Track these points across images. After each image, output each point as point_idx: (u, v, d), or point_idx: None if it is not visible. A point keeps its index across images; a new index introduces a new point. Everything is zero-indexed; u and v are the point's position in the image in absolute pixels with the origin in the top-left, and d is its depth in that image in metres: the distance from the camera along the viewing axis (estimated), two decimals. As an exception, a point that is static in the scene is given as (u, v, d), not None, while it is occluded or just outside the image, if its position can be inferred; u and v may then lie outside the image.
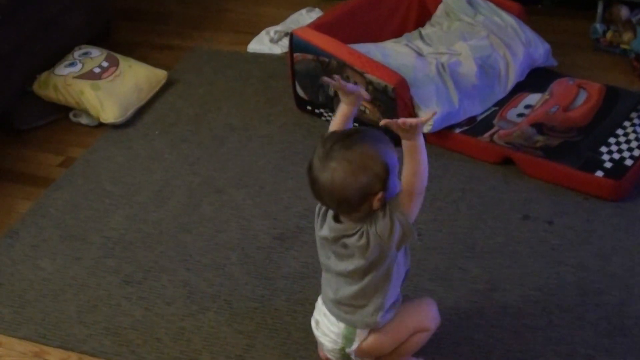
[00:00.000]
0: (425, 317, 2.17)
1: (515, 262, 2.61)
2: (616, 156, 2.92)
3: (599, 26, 3.84)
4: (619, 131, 3.05)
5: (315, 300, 2.18)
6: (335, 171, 1.85)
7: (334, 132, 1.95)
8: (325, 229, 1.99)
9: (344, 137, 1.89)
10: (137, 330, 2.48)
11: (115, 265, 2.72)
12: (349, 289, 2.02)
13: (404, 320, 2.12)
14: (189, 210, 2.94)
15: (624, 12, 3.84)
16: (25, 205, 3.04)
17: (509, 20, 3.54)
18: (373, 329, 2.08)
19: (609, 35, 3.80)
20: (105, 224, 2.91)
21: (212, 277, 2.64)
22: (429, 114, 2.08)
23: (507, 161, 3.03)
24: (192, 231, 2.85)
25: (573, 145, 3.01)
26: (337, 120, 2.06)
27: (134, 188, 3.08)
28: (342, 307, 2.06)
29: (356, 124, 3.22)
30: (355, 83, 3.09)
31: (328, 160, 1.86)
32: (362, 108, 3.17)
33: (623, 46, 3.73)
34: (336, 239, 1.96)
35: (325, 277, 2.11)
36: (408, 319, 2.12)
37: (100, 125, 3.46)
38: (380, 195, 1.88)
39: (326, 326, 2.12)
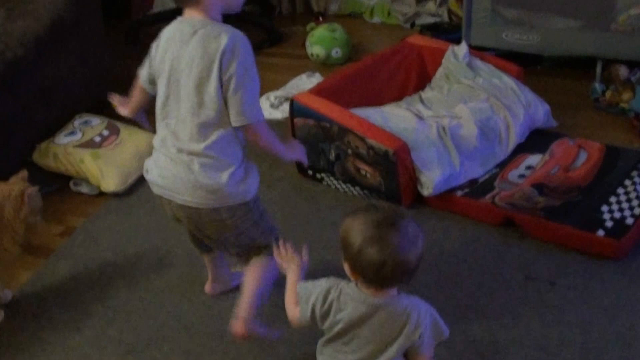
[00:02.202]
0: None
1: (518, 323, 2.67)
2: (617, 215, 2.99)
3: (598, 86, 3.94)
4: (620, 190, 3.13)
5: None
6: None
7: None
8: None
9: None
10: (140, 399, 2.52)
11: (116, 335, 2.77)
12: None
13: None
14: (191, 279, 2.99)
15: (622, 71, 3.94)
16: (25, 275, 3.09)
17: (509, 82, 3.63)
18: None
19: (608, 94, 3.89)
20: (106, 293, 2.96)
21: (214, 345, 2.69)
22: None
23: (508, 222, 3.09)
24: (193, 300, 2.90)
25: (574, 205, 3.08)
26: None
27: (135, 257, 3.14)
28: None
29: (357, 188, 3.31)
30: (357, 147, 3.18)
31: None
32: (364, 172, 3.25)
33: (622, 105, 3.82)
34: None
35: None
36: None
37: (101, 193, 3.53)
38: None
39: None
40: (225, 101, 2.27)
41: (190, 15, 2.32)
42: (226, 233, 2.48)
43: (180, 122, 2.33)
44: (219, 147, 2.32)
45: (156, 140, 2.44)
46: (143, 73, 2.51)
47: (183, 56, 2.29)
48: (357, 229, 1.96)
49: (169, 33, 2.36)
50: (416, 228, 1.99)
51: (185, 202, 2.38)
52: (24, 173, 2.90)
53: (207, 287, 2.89)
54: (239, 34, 2.28)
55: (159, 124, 2.41)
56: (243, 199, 2.40)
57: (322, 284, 2.13)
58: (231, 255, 2.65)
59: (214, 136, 2.31)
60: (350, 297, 2.07)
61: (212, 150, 2.31)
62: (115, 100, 2.71)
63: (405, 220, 1.99)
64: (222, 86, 2.26)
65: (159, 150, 2.42)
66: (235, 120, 2.29)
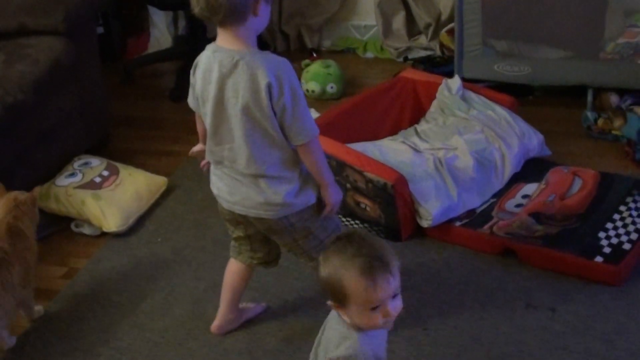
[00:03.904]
0: None
1: (522, 350, 2.69)
2: (614, 241, 3.01)
3: (590, 114, 3.97)
4: (616, 216, 3.16)
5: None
6: None
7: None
8: None
9: None
10: None
11: (123, 376, 2.78)
12: None
13: None
14: (195, 316, 3.00)
15: (613, 99, 3.99)
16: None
17: (502, 113, 3.67)
18: None
19: (600, 122, 3.93)
20: (111, 335, 2.96)
21: (221, 381, 2.70)
22: None
23: (507, 251, 3.12)
24: (199, 337, 2.90)
25: (572, 232, 3.11)
26: None
27: (139, 296, 3.14)
28: None
29: (357, 222, 3.33)
30: (356, 181, 3.21)
31: None
32: (363, 206, 3.27)
33: (614, 132, 3.86)
34: None
35: None
36: None
37: (103, 234, 3.53)
38: None
39: None
40: (281, 126, 2.35)
41: (228, 42, 2.35)
42: (297, 236, 2.58)
43: (236, 148, 2.41)
44: (279, 167, 2.43)
45: (213, 160, 2.54)
46: (192, 103, 2.56)
47: (227, 87, 2.34)
48: None
49: (207, 64, 2.39)
50: None
51: (258, 215, 2.49)
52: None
53: (214, 327, 2.90)
54: (278, 60, 2.34)
55: (214, 148, 2.49)
56: (307, 203, 2.50)
57: None
58: (305, 262, 2.72)
59: (274, 158, 2.41)
60: None
61: (273, 170, 2.42)
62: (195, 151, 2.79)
63: None
64: (276, 114, 2.33)
65: (220, 169, 2.53)
66: (295, 140, 2.38)
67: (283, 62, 2.33)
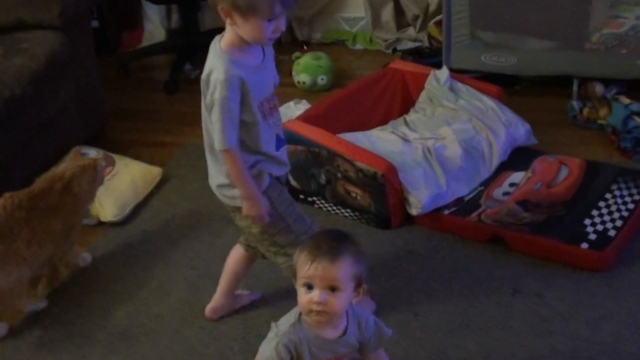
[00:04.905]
0: None
1: (509, 335, 2.69)
2: (600, 228, 3.02)
3: (575, 103, 3.97)
4: (601, 203, 3.16)
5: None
6: None
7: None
8: None
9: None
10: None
11: (121, 361, 2.78)
12: None
13: None
14: (190, 303, 3.00)
15: (598, 89, 3.98)
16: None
17: (490, 103, 3.67)
18: None
19: (585, 111, 3.93)
20: (109, 321, 2.96)
21: (215, 367, 2.70)
22: None
23: (495, 239, 3.12)
24: (194, 324, 2.90)
25: (558, 219, 3.11)
26: None
27: (135, 284, 3.14)
28: None
29: (348, 210, 3.33)
30: (346, 170, 3.20)
31: None
32: (354, 194, 3.27)
33: (600, 121, 3.85)
34: None
35: None
36: None
37: (100, 223, 3.52)
38: None
39: None
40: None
41: None
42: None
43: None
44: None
45: None
46: None
47: None
48: None
49: None
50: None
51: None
52: (77, 148, 3.22)
53: (208, 309, 2.90)
54: (218, 59, 2.36)
55: None
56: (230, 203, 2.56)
57: None
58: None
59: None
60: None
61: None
62: None
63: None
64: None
65: None
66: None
67: (219, 63, 2.33)
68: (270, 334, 2.19)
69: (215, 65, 2.32)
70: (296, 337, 2.14)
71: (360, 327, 2.22)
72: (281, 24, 2.31)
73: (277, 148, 2.51)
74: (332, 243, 2.08)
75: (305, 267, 2.05)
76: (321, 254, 2.05)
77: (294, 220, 2.59)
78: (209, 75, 2.32)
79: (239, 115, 2.35)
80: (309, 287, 2.07)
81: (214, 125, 2.35)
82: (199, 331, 2.87)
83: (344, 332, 2.19)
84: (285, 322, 2.19)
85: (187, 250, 3.31)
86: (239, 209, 2.51)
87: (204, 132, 2.49)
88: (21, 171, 3.47)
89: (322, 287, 2.05)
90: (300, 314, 2.16)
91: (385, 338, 2.30)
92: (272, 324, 2.21)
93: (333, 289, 2.05)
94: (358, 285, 2.12)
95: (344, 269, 2.05)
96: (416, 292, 2.86)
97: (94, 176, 3.11)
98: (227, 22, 2.30)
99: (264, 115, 2.42)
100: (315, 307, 2.06)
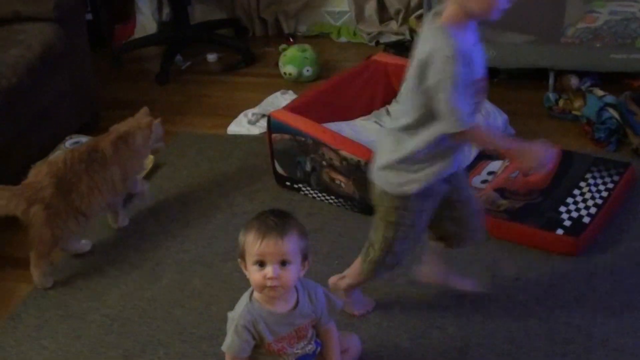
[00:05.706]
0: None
1: (488, 318, 2.71)
2: (574, 215, 3.04)
3: (551, 95, 3.99)
4: (576, 191, 3.18)
5: None
6: None
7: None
8: None
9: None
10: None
11: (114, 341, 2.79)
12: None
13: None
14: (181, 286, 3.02)
15: (573, 81, 4.01)
16: (25, 289, 3.09)
17: (469, 94, 3.67)
18: None
19: (561, 103, 3.95)
20: (102, 302, 2.98)
21: (206, 347, 2.71)
22: None
23: (474, 225, 3.13)
24: (185, 305, 2.92)
25: (534, 206, 3.13)
26: None
27: (128, 267, 3.16)
28: None
29: (332, 197, 3.34)
30: (331, 159, 3.21)
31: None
32: (338, 182, 3.28)
33: (574, 113, 3.87)
34: None
35: None
36: None
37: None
38: None
39: None
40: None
41: None
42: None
43: None
44: None
45: None
46: None
47: None
48: None
49: None
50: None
51: None
52: (145, 109, 3.35)
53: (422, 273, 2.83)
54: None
55: None
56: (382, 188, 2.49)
57: None
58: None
59: None
60: None
61: None
62: None
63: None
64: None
65: None
66: None
67: (442, 38, 2.11)
68: (228, 323, 2.24)
69: (437, 42, 2.10)
70: (251, 316, 2.18)
71: (311, 298, 2.26)
72: None
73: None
74: (278, 220, 2.11)
75: (256, 245, 2.08)
76: (270, 231, 2.08)
77: (413, 240, 2.50)
78: (430, 53, 2.10)
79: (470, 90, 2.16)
80: (261, 264, 2.10)
81: (443, 107, 2.15)
82: (189, 312, 2.88)
83: (296, 305, 2.23)
84: (239, 307, 2.23)
85: (177, 235, 3.32)
86: (399, 198, 2.38)
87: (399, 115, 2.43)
88: (18, 158, 3.48)
89: (274, 263, 2.09)
90: (251, 295, 2.21)
91: (337, 309, 2.34)
92: (228, 314, 2.26)
93: (284, 262, 2.10)
94: (304, 258, 2.17)
95: (292, 243, 2.10)
96: (397, 275, 2.88)
97: (148, 134, 3.30)
98: None
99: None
100: (269, 283, 2.10)
